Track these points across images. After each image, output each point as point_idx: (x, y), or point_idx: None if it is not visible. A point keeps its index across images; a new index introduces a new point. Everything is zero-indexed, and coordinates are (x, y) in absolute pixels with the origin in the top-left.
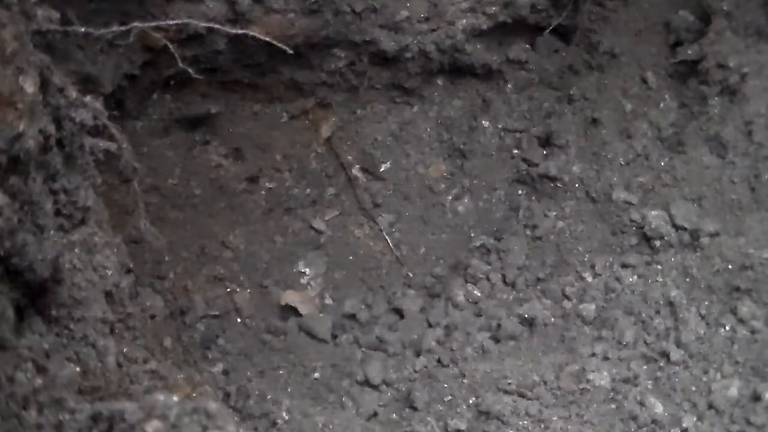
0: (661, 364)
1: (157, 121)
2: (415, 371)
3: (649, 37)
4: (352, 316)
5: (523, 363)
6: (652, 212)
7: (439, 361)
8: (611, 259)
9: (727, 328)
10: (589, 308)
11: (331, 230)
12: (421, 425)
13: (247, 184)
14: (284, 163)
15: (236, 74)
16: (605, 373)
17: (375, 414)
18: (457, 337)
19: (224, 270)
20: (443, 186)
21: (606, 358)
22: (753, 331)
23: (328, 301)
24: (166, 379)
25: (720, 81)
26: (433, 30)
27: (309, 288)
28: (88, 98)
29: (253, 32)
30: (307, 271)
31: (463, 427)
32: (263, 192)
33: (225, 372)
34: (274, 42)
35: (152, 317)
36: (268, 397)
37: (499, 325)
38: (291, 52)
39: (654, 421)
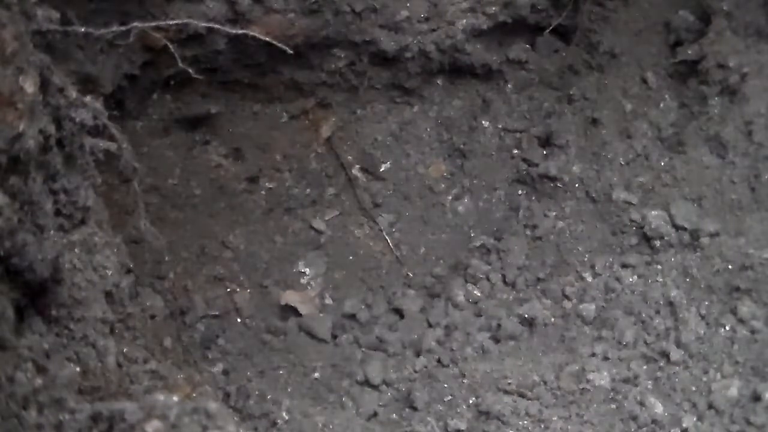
0: (661, 364)
1: (157, 121)
2: (415, 371)
3: (649, 37)
4: (352, 316)
5: (523, 363)
6: (652, 212)
7: (439, 361)
8: (611, 259)
9: (727, 328)
10: (589, 308)
11: (331, 230)
12: (421, 425)
13: (247, 184)
14: (284, 163)
15: (236, 74)
16: (605, 373)
17: (375, 414)
18: (457, 337)
19: (224, 270)
20: (443, 186)
21: (606, 358)
22: (753, 331)
23: (328, 301)
24: (166, 379)
25: (720, 81)
26: (433, 30)
27: (309, 288)
28: (88, 98)
29: (253, 32)
30: (307, 271)
31: (463, 427)
32: (263, 192)
33: (225, 372)
34: (274, 42)
35: (152, 317)
36: (268, 397)
37: (499, 325)
38: (291, 52)
39: (654, 421)
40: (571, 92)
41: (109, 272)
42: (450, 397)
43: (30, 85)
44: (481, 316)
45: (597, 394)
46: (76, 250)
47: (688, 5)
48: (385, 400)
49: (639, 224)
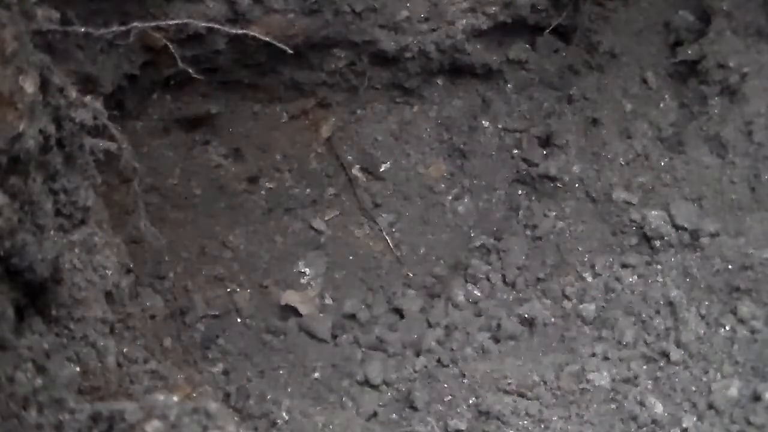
0: (661, 364)
1: (157, 121)
2: (415, 371)
3: (649, 37)
4: (352, 316)
5: (523, 363)
6: (652, 212)
7: (439, 361)
8: (611, 259)
9: (727, 328)
10: (589, 308)
11: (331, 230)
12: (421, 425)
13: (247, 184)
14: (284, 163)
15: (236, 74)
16: (605, 373)
17: (375, 414)
18: (457, 337)
19: (224, 270)
20: (443, 186)
21: (606, 358)
22: (753, 331)
23: (328, 301)
24: (166, 379)
25: (720, 81)
26: (433, 30)
27: (309, 288)
28: (88, 98)
29: (253, 32)
30: (307, 271)
31: (463, 427)
32: (263, 192)
33: (225, 372)
34: (274, 42)
35: (152, 317)
36: (268, 397)
37: (499, 325)
38: (291, 52)
39: (654, 421)
40: (571, 92)
41: (109, 272)
42: (450, 397)
43: (30, 85)
44: (481, 316)
45: (597, 394)
46: (76, 250)
47: (688, 5)
48: (385, 400)
49: (639, 224)
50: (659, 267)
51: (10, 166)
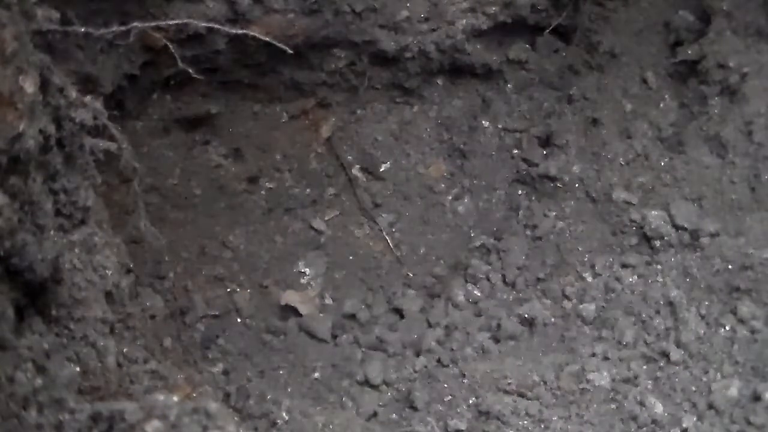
0: (661, 364)
1: (157, 121)
2: (415, 371)
3: (649, 37)
4: (352, 316)
5: (523, 363)
6: (652, 212)
7: (439, 361)
8: (611, 259)
9: (727, 328)
10: (589, 308)
11: (331, 230)
12: (421, 425)
13: (247, 184)
14: (284, 163)
15: (236, 74)
16: (605, 373)
17: (375, 414)
18: (457, 337)
19: (224, 270)
20: (443, 186)
21: (606, 358)
22: (753, 331)
23: (328, 301)
24: (166, 379)
25: (720, 81)
26: (433, 30)
27: (309, 288)
28: (88, 98)
29: (253, 32)
30: (307, 271)
31: (463, 427)
32: (263, 192)
33: (225, 372)
34: (274, 42)
35: (152, 317)
36: (268, 397)
37: (499, 325)
38: (291, 52)
39: (654, 421)
40: (571, 92)
41: (109, 272)
42: (450, 397)
43: (30, 85)
44: (481, 316)
45: (597, 394)
46: (76, 250)
47: (688, 5)
48: (385, 400)
49: (639, 224)
50: (659, 267)
51: (10, 166)
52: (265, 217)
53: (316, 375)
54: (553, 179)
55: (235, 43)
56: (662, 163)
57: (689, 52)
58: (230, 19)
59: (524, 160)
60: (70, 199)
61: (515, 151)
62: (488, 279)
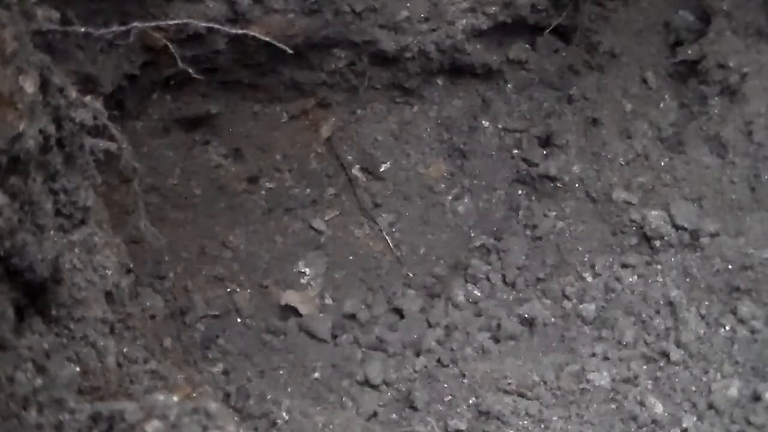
0: (661, 364)
1: (157, 121)
2: (415, 371)
3: (649, 37)
4: (352, 316)
5: (523, 363)
6: (652, 212)
7: (439, 361)
8: (611, 259)
9: (727, 328)
10: (589, 308)
11: (331, 230)
12: (421, 425)
13: (247, 184)
14: (284, 163)
15: (236, 74)
16: (605, 373)
17: (375, 414)
18: (457, 337)
19: (224, 270)
20: (443, 186)
21: (606, 358)
22: (753, 331)
23: (328, 301)
24: (166, 379)
25: (720, 81)
26: (433, 30)
27: (309, 288)
28: (88, 98)
29: (253, 32)
30: (307, 271)
31: (463, 427)
32: (263, 192)
33: (225, 372)
34: (274, 42)
35: (152, 317)
36: (268, 397)
37: (499, 325)
38: (291, 52)
39: (654, 421)
40: (571, 92)
41: (109, 272)
42: (450, 397)
43: (30, 85)
44: (481, 316)
45: (597, 394)
46: (76, 250)
47: (688, 5)
48: (385, 400)
49: (639, 224)
50: (659, 267)
51: (10, 166)
52: (265, 217)
53: (316, 375)
54: (553, 179)
55: (235, 43)
56: (662, 163)
57: (689, 52)
58: (230, 19)
59: (524, 160)
60: (70, 199)
61: (515, 151)
62: (488, 279)
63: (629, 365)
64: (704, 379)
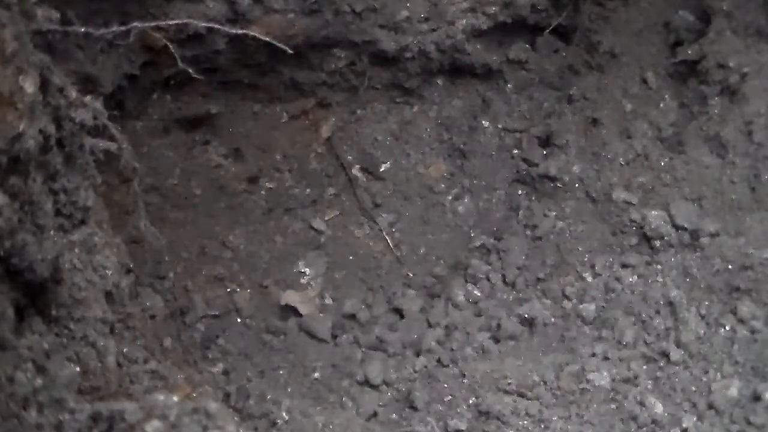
0: (661, 364)
1: (157, 121)
2: (415, 371)
3: (649, 37)
4: (352, 316)
5: (523, 363)
6: (652, 212)
7: (439, 361)
8: (611, 259)
9: (727, 328)
10: (589, 308)
11: (331, 230)
12: (421, 425)
13: (247, 184)
14: (284, 163)
15: (236, 74)
16: (605, 373)
17: (375, 414)
18: (457, 337)
19: (224, 270)
20: (443, 186)
21: (606, 358)
22: (753, 331)
23: (328, 301)
24: (166, 379)
25: (720, 81)
26: (433, 30)
27: (309, 288)
28: (88, 98)
29: (253, 32)
30: (307, 271)
31: (463, 427)
32: (263, 192)
33: (225, 372)
34: (274, 42)
35: (152, 317)
36: (268, 397)
37: (499, 325)
38: (291, 52)
39: (654, 421)
40: (571, 92)
41: (109, 272)
42: (450, 397)
43: (30, 85)
44: (481, 316)
45: (597, 394)
46: (76, 250)
47: (688, 5)
48: (385, 400)
49: (639, 224)
50: (659, 267)
51: (10, 166)
52: (265, 217)
53: (316, 375)
54: (553, 179)
55: (235, 43)
56: (662, 163)
57: (689, 52)
58: (230, 19)
59: (524, 160)
60: (70, 199)
61: (515, 151)
62: (488, 279)
63: (629, 365)
64: (704, 379)
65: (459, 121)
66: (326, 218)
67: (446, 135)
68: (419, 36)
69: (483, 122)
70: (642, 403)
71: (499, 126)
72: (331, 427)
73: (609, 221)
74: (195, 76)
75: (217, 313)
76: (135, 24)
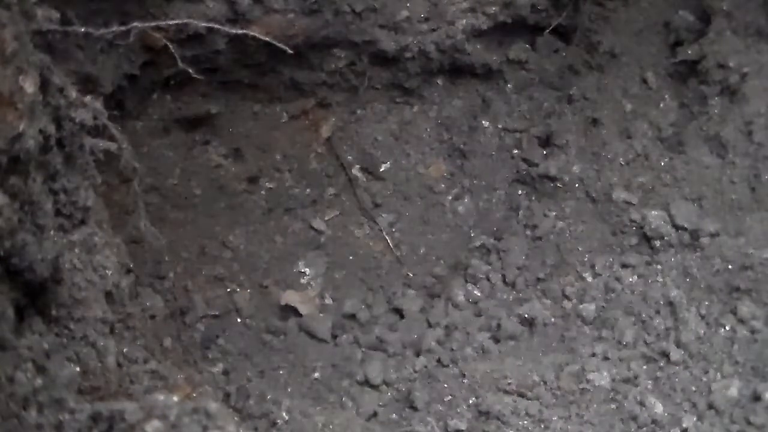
0: (661, 364)
1: (157, 121)
2: (415, 371)
3: (649, 37)
4: (352, 316)
5: (523, 363)
6: (652, 212)
7: (439, 361)
8: (611, 259)
9: (727, 328)
10: (589, 308)
11: (331, 230)
12: (421, 425)
13: (247, 184)
14: (284, 163)
15: (236, 74)
16: (605, 373)
17: (375, 414)
18: (457, 337)
19: (224, 270)
20: (443, 186)
21: (606, 358)
22: (753, 331)
23: (328, 301)
24: (166, 379)
25: (720, 81)
26: (433, 30)
27: (309, 288)
28: (88, 98)
29: (253, 32)
30: (307, 271)
31: (463, 427)
32: (263, 192)
33: (225, 372)
34: (274, 42)
35: (152, 317)
36: (268, 397)
37: (499, 325)
38: (291, 52)
39: (654, 421)
40: (571, 92)
41: (109, 272)
42: (450, 397)
43: (30, 85)
44: (481, 316)
45: (597, 394)
46: (76, 250)
47: (688, 5)
48: (385, 400)
49: (639, 224)
50: (659, 267)
51: (10, 166)
52: (265, 217)
53: (316, 375)
54: (553, 179)
55: (235, 43)
56: (662, 163)
57: (689, 52)
58: (230, 19)
59: (524, 160)
60: (70, 199)
61: (515, 151)
62: (488, 279)
63: (629, 365)
64: (704, 379)
65: (459, 121)
66: (326, 218)
67: (446, 135)
68: (419, 36)
69: (483, 122)
70: (642, 403)
71: (499, 126)
72: (331, 427)
73: (609, 221)
74: (195, 76)
75: (217, 313)
76: (135, 24)
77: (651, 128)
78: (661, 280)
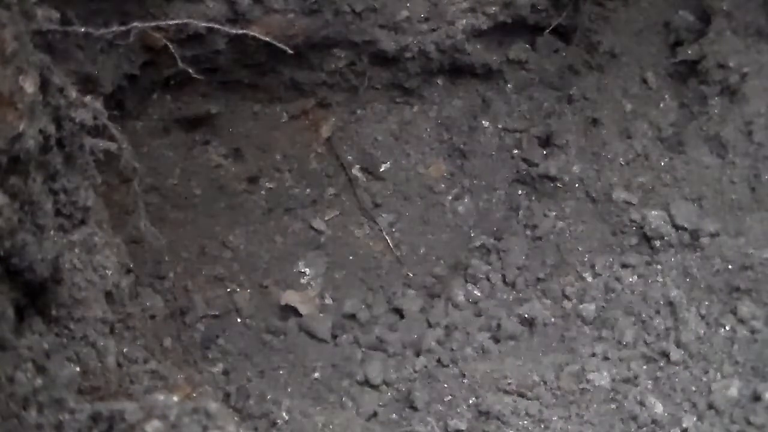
0: (661, 364)
1: (157, 121)
2: (415, 371)
3: (649, 37)
4: (352, 316)
5: (523, 363)
6: (652, 212)
7: (439, 361)
8: (611, 259)
9: (727, 328)
10: (589, 308)
11: (331, 230)
12: (421, 425)
13: (247, 184)
14: (284, 163)
15: (236, 74)
16: (605, 373)
17: (375, 414)
18: (457, 337)
19: (224, 270)
20: (443, 186)
21: (606, 358)
22: (753, 331)
23: (328, 301)
24: (166, 379)
25: (720, 81)
26: (433, 30)
27: (309, 288)
28: (88, 98)
29: (253, 32)
30: (307, 271)
31: (463, 427)
32: (263, 192)
33: (225, 372)
34: (274, 42)
35: (152, 317)
36: (268, 397)
37: (499, 325)
38: (291, 52)
39: (654, 421)
40: (571, 92)
41: (109, 272)
42: (450, 397)
43: (30, 85)
44: (481, 316)
45: (597, 394)
46: (76, 250)
47: (688, 5)
48: (385, 400)
49: (639, 224)
50: (659, 267)
51: (10, 166)
52: (265, 217)
53: (316, 375)
54: (553, 179)
55: (235, 43)
56: (662, 163)
57: (689, 52)
58: (230, 19)
59: (524, 160)
60: (70, 199)
61: (515, 151)
62: (488, 279)
63: (629, 365)
64: (704, 379)
65: (459, 121)
66: (326, 218)
67: (446, 135)
68: (419, 36)
69: (483, 122)
70: (642, 403)
71: (499, 126)
72: (331, 427)
73: (609, 221)
74: (195, 76)
75: (217, 313)
76: (135, 24)
77: (651, 128)
78: (661, 280)
